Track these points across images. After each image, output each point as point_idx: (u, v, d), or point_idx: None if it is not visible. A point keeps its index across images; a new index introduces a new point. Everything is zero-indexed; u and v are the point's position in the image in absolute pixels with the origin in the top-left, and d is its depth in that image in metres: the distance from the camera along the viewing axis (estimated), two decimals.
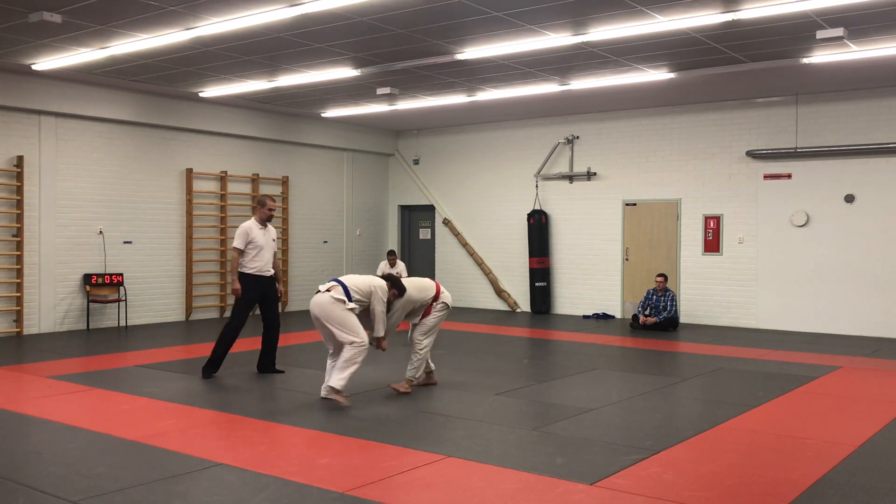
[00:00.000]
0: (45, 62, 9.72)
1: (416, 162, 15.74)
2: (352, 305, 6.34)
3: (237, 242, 7.52)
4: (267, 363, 7.87)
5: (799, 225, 11.62)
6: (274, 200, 7.82)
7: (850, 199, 11.25)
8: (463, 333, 11.13)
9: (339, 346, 6.44)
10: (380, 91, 11.09)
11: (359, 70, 9.94)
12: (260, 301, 7.72)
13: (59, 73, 10.35)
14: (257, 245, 7.53)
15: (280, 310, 8.17)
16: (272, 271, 7.73)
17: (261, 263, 7.57)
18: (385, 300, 6.58)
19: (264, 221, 7.67)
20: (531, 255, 13.89)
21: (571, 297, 13.77)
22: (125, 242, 11.83)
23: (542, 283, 13.81)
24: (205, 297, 12.87)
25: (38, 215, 10.87)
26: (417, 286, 6.92)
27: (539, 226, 13.81)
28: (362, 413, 6.21)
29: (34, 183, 10.83)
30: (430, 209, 15.68)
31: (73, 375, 7.70)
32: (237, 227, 13.00)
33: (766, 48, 8.76)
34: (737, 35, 8.23)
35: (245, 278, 7.55)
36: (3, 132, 10.54)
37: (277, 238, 7.94)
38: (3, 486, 4.35)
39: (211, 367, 7.63)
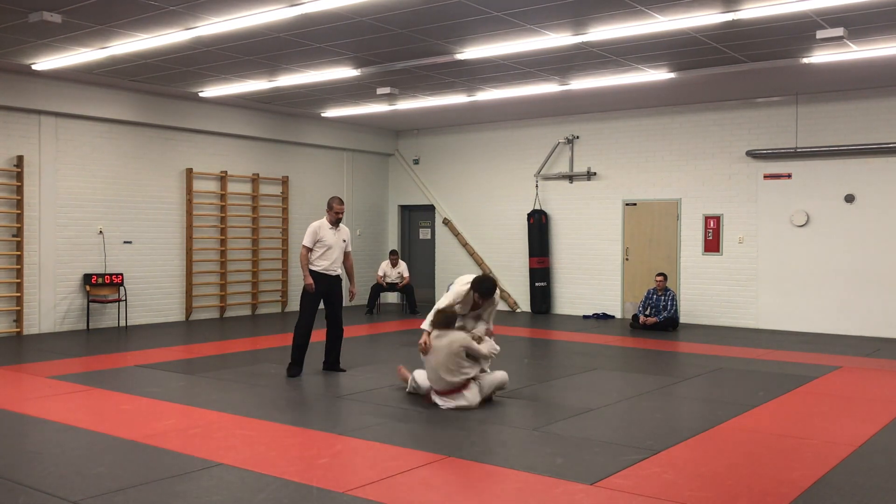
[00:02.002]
0: (45, 62, 9.72)
1: (416, 162, 15.74)
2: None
3: (305, 240, 7.72)
4: (331, 362, 7.98)
5: (799, 225, 11.62)
6: (342, 202, 7.84)
7: (850, 199, 11.25)
8: None
9: None
10: (380, 91, 11.09)
11: (359, 70, 9.94)
12: (324, 300, 7.83)
13: (59, 73, 10.35)
14: (325, 244, 7.69)
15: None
16: (339, 271, 7.86)
17: (327, 262, 7.72)
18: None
19: (334, 222, 7.78)
20: (531, 255, 13.89)
21: (571, 297, 13.77)
22: (125, 242, 11.83)
23: (542, 283, 13.82)
24: (205, 297, 12.87)
25: (38, 215, 10.87)
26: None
27: (539, 226, 13.81)
28: (362, 413, 6.20)
29: (34, 183, 10.82)
30: (430, 209, 15.68)
31: (73, 375, 7.70)
32: (237, 227, 13.28)
33: (766, 48, 8.76)
34: (737, 35, 8.23)
35: (311, 275, 7.70)
36: (3, 132, 10.54)
37: (348, 240, 7.98)
38: (3, 486, 4.35)
39: (294, 367, 7.77)
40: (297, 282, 14.23)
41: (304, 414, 6.30)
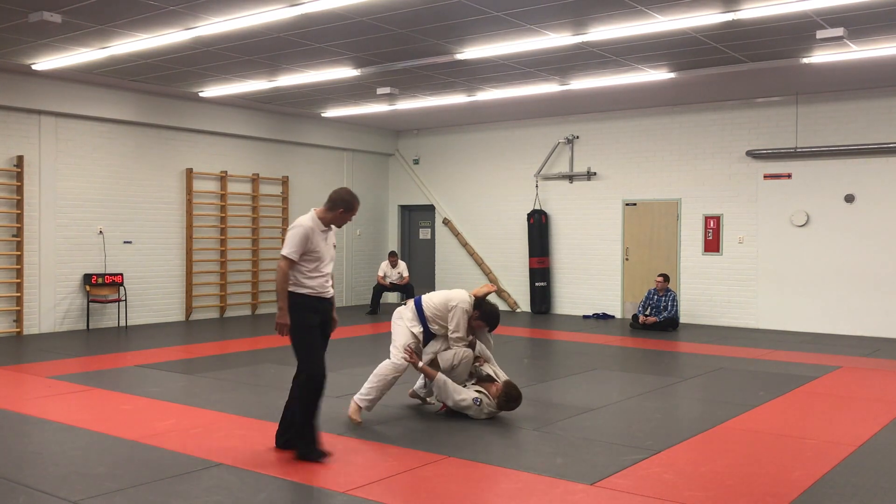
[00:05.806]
0: (45, 62, 9.72)
1: (416, 162, 15.74)
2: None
3: (288, 248, 4.94)
4: (293, 434, 5.05)
5: (799, 225, 11.62)
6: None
7: (850, 199, 11.24)
8: None
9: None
10: (380, 91, 11.09)
11: (359, 70, 9.94)
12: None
13: (59, 73, 10.35)
14: (318, 255, 5.06)
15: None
16: (332, 291, 5.26)
17: (322, 280, 5.09)
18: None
19: (330, 224, 5.19)
20: (531, 255, 13.89)
21: (571, 297, 13.77)
22: (125, 242, 11.83)
23: (542, 283, 13.82)
24: (205, 297, 12.87)
25: (38, 215, 10.87)
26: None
27: (539, 226, 13.81)
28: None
29: (34, 183, 10.82)
30: (430, 209, 15.68)
31: (73, 375, 7.70)
32: (237, 227, 13.27)
33: (766, 48, 8.76)
34: (737, 35, 8.23)
35: (301, 302, 4.98)
36: (3, 132, 10.54)
37: (333, 242, 5.37)
38: (3, 486, 4.35)
39: (307, 445, 4.94)
40: None
41: None
